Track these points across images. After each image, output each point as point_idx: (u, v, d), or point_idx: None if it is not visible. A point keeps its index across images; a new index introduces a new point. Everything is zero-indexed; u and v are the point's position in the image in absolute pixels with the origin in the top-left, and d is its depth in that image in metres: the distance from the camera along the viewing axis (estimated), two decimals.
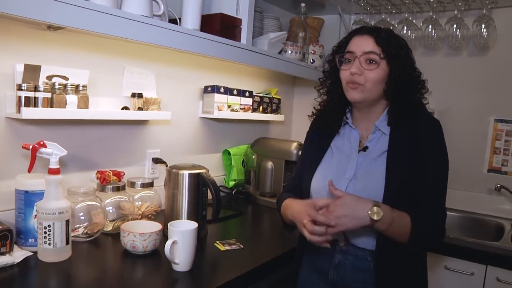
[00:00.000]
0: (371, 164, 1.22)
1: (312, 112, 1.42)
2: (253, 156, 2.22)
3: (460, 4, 2.13)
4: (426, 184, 1.18)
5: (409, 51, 1.26)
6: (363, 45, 1.21)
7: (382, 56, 1.19)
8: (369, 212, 1.09)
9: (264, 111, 2.34)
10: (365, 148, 1.26)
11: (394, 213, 1.13)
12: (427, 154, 1.19)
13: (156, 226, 1.37)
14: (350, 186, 1.22)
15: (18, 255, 1.21)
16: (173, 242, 1.18)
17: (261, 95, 2.32)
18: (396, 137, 1.22)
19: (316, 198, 1.28)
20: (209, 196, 1.50)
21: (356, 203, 1.12)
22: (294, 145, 2.11)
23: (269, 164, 2.16)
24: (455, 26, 2.14)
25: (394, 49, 1.20)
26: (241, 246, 1.45)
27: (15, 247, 1.26)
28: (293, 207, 1.26)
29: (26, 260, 1.21)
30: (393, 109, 1.24)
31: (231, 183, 2.23)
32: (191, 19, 1.57)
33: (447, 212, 1.25)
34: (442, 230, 1.21)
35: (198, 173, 1.49)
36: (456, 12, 2.15)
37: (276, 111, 2.44)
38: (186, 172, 1.48)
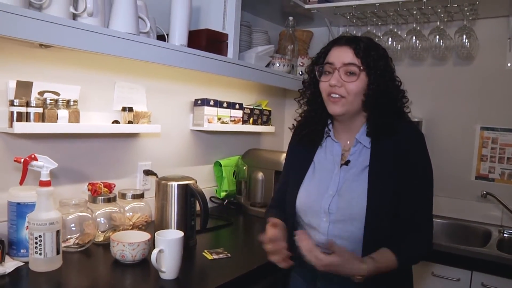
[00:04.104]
0: (353, 181, 1.22)
1: (293, 124, 1.41)
2: (244, 167, 2.26)
3: (442, 15, 2.19)
4: (414, 197, 1.19)
5: (388, 59, 1.25)
6: (343, 56, 1.20)
7: (361, 68, 1.19)
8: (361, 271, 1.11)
9: (255, 123, 2.38)
10: (347, 162, 1.25)
11: (376, 262, 1.13)
12: (412, 166, 1.20)
13: (145, 236, 1.40)
14: (333, 203, 1.22)
15: (9, 265, 1.24)
16: (160, 251, 1.22)
17: (251, 107, 2.37)
18: (377, 150, 1.22)
19: (301, 216, 1.30)
20: (198, 207, 1.53)
21: (353, 259, 1.13)
22: (284, 155, 2.14)
23: (260, 175, 2.20)
24: (438, 37, 2.20)
25: (373, 60, 1.20)
26: (229, 255, 1.49)
27: (7, 257, 1.29)
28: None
29: (17, 270, 1.25)
30: (372, 120, 1.23)
31: (223, 194, 2.27)
32: (178, 35, 1.63)
33: (436, 220, 1.27)
34: (431, 242, 1.23)
35: (186, 184, 1.53)
36: (438, 23, 2.21)
37: (266, 122, 2.48)
38: (174, 183, 1.52)
